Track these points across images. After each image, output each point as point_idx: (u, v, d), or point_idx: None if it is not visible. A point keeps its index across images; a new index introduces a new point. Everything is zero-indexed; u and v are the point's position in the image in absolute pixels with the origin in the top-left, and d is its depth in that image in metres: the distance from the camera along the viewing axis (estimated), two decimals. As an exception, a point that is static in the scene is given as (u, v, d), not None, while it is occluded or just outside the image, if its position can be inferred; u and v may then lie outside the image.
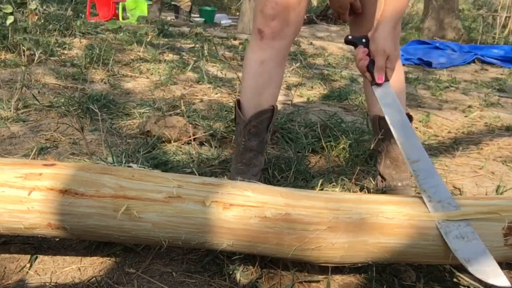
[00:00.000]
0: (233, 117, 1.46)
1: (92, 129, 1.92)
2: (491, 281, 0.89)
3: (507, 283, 0.89)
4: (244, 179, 1.27)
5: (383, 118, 1.38)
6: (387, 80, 1.16)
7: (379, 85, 1.16)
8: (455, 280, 1.05)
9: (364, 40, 1.17)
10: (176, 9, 6.49)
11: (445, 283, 1.05)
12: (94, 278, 1.00)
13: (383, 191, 1.44)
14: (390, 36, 1.13)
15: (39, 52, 2.97)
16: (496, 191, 1.56)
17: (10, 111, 1.97)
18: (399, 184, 1.41)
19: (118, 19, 5.42)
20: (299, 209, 0.93)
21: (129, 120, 2.04)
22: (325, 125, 2.02)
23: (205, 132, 1.86)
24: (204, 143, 1.83)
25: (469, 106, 2.79)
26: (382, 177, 1.46)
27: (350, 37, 1.22)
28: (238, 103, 1.39)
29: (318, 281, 1.05)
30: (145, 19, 5.29)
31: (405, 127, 1.12)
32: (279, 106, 2.46)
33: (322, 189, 1.41)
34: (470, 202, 1.01)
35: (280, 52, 1.34)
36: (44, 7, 4.06)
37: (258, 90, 1.36)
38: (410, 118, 1.40)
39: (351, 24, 1.44)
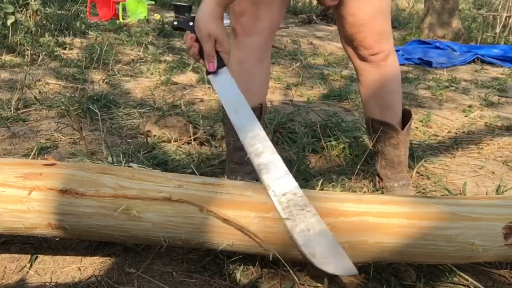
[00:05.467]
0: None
1: (92, 129, 1.92)
2: (337, 271, 0.82)
3: (354, 271, 0.81)
4: (237, 177, 1.27)
5: (376, 120, 1.37)
6: (222, 65, 1.04)
7: (214, 73, 1.04)
8: (455, 279, 1.06)
9: (191, 24, 1.04)
10: (177, 9, 6.48)
11: (445, 283, 1.05)
12: (94, 278, 1.00)
13: (382, 191, 1.44)
14: (212, 17, 1.00)
15: (43, 53, 2.97)
16: (496, 191, 1.56)
17: (10, 111, 1.97)
18: (396, 184, 1.40)
19: (118, 19, 5.41)
20: (299, 209, 0.93)
21: (129, 120, 2.04)
22: (325, 125, 2.02)
23: (205, 132, 1.86)
24: (204, 143, 1.83)
25: (469, 106, 2.78)
26: (379, 177, 1.45)
27: (175, 22, 1.09)
28: None
29: (318, 281, 1.04)
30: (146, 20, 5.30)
31: (246, 117, 1.01)
32: (279, 106, 2.47)
33: (322, 189, 1.41)
34: (470, 202, 1.01)
35: (257, 48, 1.30)
36: (45, 8, 4.05)
37: (241, 89, 1.34)
38: (409, 114, 1.37)
39: (335, 12, 1.29)
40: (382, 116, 1.35)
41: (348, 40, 1.30)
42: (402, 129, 1.36)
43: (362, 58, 1.31)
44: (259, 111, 1.34)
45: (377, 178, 1.47)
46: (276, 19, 1.31)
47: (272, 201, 0.91)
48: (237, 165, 1.36)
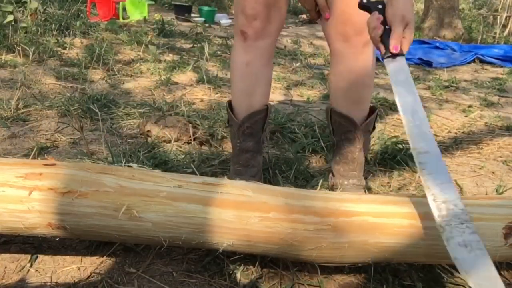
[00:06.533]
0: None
1: (92, 129, 1.92)
2: None
3: None
4: (242, 180, 1.27)
5: (336, 112, 1.30)
6: (402, 54, 1.01)
7: (393, 57, 1.01)
8: (455, 279, 1.06)
9: (380, 6, 1.04)
10: (177, 9, 6.49)
11: (445, 283, 1.05)
12: (94, 278, 1.00)
13: (332, 188, 1.39)
14: (410, 1, 1.01)
15: (43, 53, 2.97)
16: (496, 191, 1.56)
17: (10, 111, 1.97)
18: (345, 182, 1.34)
19: (118, 19, 5.41)
20: (299, 208, 0.93)
21: (129, 120, 2.04)
22: (325, 125, 2.02)
23: (205, 132, 1.86)
24: (204, 143, 1.83)
25: (469, 106, 2.78)
26: (332, 173, 1.40)
27: (365, 0, 1.08)
28: (230, 104, 1.39)
29: (318, 281, 1.05)
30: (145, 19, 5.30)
31: (415, 112, 0.96)
32: (279, 106, 2.47)
33: (322, 189, 1.41)
34: (470, 202, 1.01)
35: (265, 51, 1.32)
36: (44, 7, 4.05)
37: (247, 92, 1.34)
38: (373, 113, 1.31)
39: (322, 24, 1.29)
40: (347, 108, 1.29)
41: (337, 16, 1.22)
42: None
43: (345, 37, 1.22)
44: (265, 112, 1.35)
45: (330, 174, 1.42)
46: (282, 20, 1.32)
47: (430, 206, 0.87)
48: (243, 167, 1.36)
